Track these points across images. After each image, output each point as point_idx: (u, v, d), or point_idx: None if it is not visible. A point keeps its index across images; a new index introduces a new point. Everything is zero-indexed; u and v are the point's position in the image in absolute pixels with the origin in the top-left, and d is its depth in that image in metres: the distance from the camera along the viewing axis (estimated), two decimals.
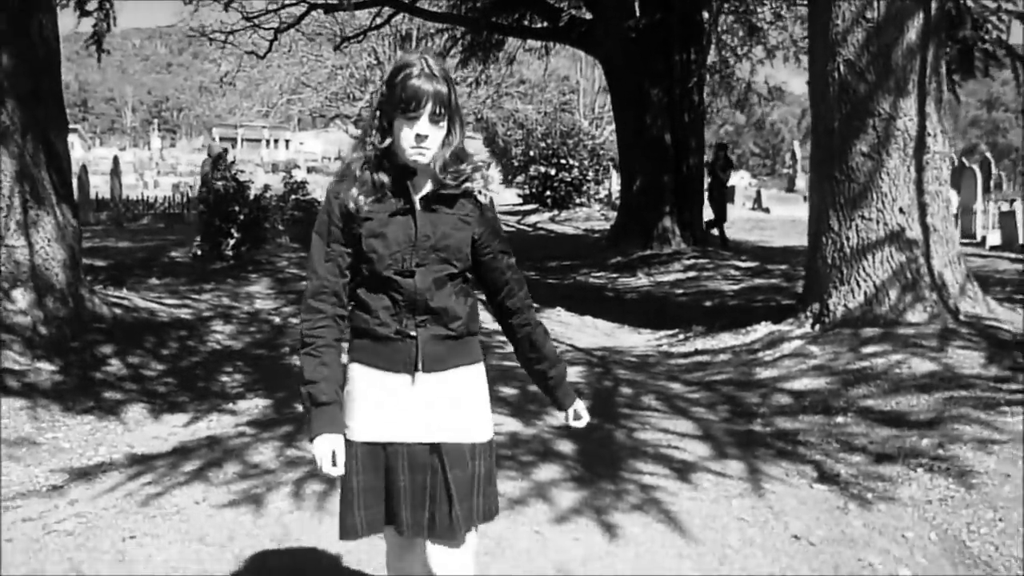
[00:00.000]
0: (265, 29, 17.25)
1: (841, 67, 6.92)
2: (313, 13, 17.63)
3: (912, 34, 6.78)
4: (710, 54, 15.28)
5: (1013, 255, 14.14)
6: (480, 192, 2.32)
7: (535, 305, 2.50)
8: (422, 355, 2.27)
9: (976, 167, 18.09)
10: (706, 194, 15.83)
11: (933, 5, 6.90)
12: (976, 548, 3.73)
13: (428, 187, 2.29)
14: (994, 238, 15.91)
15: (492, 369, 6.66)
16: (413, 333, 2.28)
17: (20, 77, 6.86)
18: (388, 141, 2.24)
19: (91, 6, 11.94)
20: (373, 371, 2.31)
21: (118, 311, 7.56)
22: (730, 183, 33.67)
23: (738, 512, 4.13)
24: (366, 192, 2.25)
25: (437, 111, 2.19)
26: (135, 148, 66.88)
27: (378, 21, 18.26)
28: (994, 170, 25.64)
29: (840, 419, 5.36)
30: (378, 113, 2.25)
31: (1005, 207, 16.96)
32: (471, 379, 2.39)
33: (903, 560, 3.65)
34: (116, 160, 25.01)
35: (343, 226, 2.28)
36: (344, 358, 2.36)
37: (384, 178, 2.25)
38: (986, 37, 11.44)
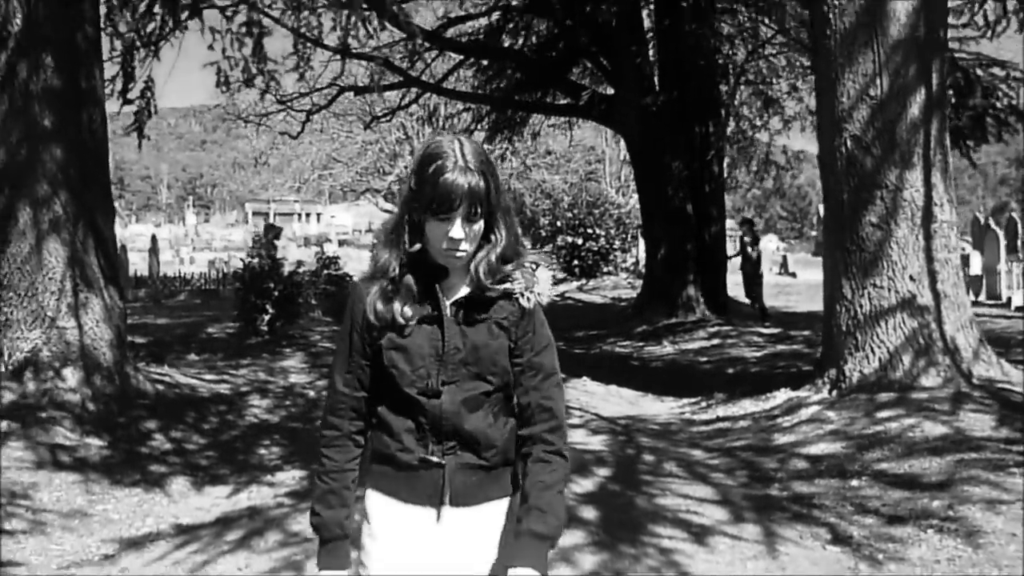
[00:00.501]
0: (297, 111, 17.89)
1: (848, 142, 7.23)
2: (344, 94, 18.29)
3: (915, 109, 7.10)
4: (729, 126, 15.68)
5: None
6: (522, 293, 2.01)
7: (560, 428, 2.04)
8: (450, 488, 1.98)
9: (999, 228, 18.25)
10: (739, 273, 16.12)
11: (935, 80, 7.22)
12: None
13: (462, 291, 2.02)
14: (1019, 299, 15.99)
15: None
16: (440, 462, 1.99)
17: (71, 168, 7.32)
18: (418, 246, 2.00)
19: (133, 95, 12.60)
20: (393, 502, 2.03)
21: (160, 387, 7.91)
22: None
23: (752, 573, 4.33)
24: (388, 297, 2.01)
25: (474, 211, 1.92)
26: (170, 224, 68.25)
27: (406, 100, 18.89)
28: (1020, 229, 25.74)
29: (855, 482, 5.54)
30: (407, 214, 1.99)
31: None
32: (504, 514, 2.04)
33: None
34: (154, 239, 25.76)
35: (364, 334, 2.04)
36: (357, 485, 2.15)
37: (411, 282, 2.00)
38: (997, 104, 11.73)
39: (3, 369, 7.04)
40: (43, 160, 7.07)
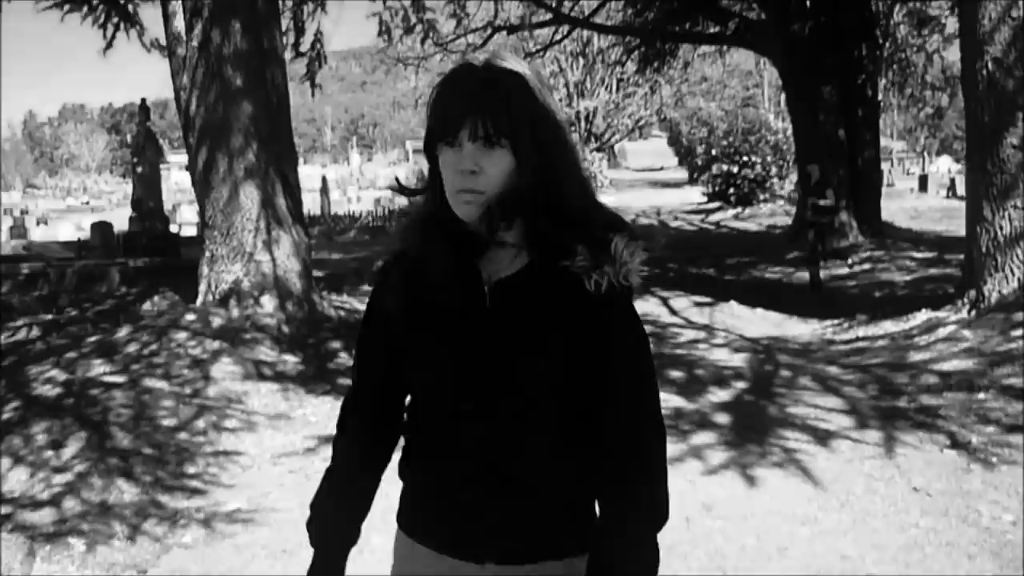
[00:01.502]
0: (454, 52, 18.62)
1: (989, 64, 7.29)
2: (497, 33, 18.89)
3: None
4: (884, 48, 15.36)
5: None
6: (591, 274, 1.39)
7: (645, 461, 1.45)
8: (491, 539, 1.48)
9: None
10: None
11: None
12: None
13: (512, 266, 1.45)
14: None
15: (659, 357, 7.47)
16: (478, 504, 1.47)
17: (260, 122, 8.27)
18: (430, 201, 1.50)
19: (305, 47, 13.63)
20: (425, 552, 1.55)
21: (342, 313, 8.88)
22: (925, 171, 32.54)
23: (868, 470, 4.80)
24: (408, 282, 1.49)
25: (490, 130, 1.35)
26: (335, 164, 71.02)
27: (558, 36, 19.31)
28: None
29: (981, 395, 5.85)
30: (429, 164, 1.47)
31: None
32: None
33: (1010, 509, 4.23)
34: (324, 180, 27.29)
35: (384, 330, 1.56)
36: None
37: (440, 256, 1.45)
38: None
39: (211, 298, 8.16)
40: (237, 116, 8.04)
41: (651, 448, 1.46)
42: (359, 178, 54.38)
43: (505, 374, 1.42)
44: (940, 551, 3.82)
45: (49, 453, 5.41)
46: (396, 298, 1.51)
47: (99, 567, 4.12)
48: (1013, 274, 7.20)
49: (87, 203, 44.96)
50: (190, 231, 21.66)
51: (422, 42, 14.42)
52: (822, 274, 12.17)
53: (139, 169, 15.62)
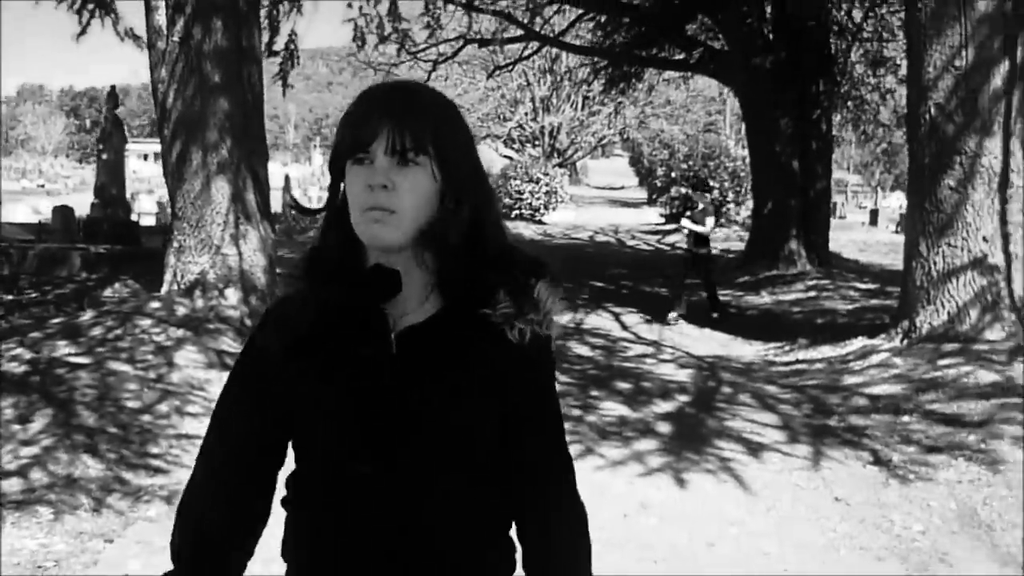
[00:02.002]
0: (425, 61, 18.93)
1: (932, 109, 7.74)
2: (468, 45, 19.22)
3: (998, 80, 7.55)
4: (842, 85, 15.93)
5: None
6: (520, 323, 1.27)
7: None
8: None
9: None
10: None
11: (1019, 54, 7.64)
12: (984, 515, 4.65)
13: (423, 310, 1.30)
14: None
15: (608, 369, 7.76)
16: None
17: (235, 118, 8.47)
18: (331, 226, 1.34)
19: (278, 47, 13.84)
20: None
21: None
22: (877, 206, 33.27)
23: (795, 480, 5.16)
24: (303, 322, 1.29)
25: (407, 146, 1.22)
26: (296, 164, 70.70)
27: (527, 52, 19.70)
28: None
29: (905, 418, 6.25)
30: (333, 188, 1.33)
31: None
32: None
33: (920, 519, 4.62)
34: (287, 178, 27.39)
35: (265, 383, 1.34)
36: None
37: (338, 296, 1.28)
38: None
39: (176, 287, 8.34)
40: (213, 111, 8.24)
41: (571, 481, 1.40)
42: (320, 178, 54.35)
43: (412, 432, 1.25)
44: (854, 553, 4.18)
45: (16, 427, 5.58)
46: (283, 343, 1.29)
47: (67, 535, 4.33)
48: (944, 307, 7.64)
49: (42, 186, 44.45)
50: (149, 220, 21.68)
51: (397, 52, 14.69)
52: (770, 298, 12.62)
53: (104, 156, 15.66)
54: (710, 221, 11.31)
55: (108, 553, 4.16)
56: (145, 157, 56.92)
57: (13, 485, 4.81)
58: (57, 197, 30.68)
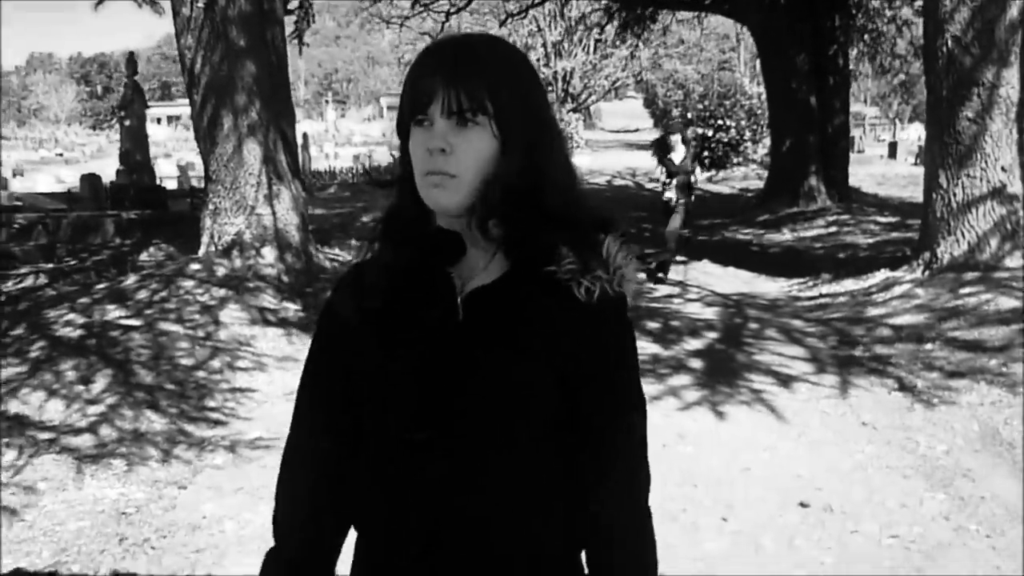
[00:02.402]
0: (437, 12, 18.94)
1: (949, 42, 7.82)
2: None
3: (1014, 11, 7.61)
4: (857, 18, 15.87)
5: None
6: (587, 281, 1.22)
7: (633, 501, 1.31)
8: None
9: None
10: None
11: None
12: (1006, 434, 4.88)
13: (489, 272, 1.27)
14: None
15: (636, 309, 8.01)
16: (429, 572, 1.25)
17: (262, 81, 8.65)
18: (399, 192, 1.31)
19: (293, 5, 13.91)
20: None
21: (336, 264, 9.37)
22: (896, 139, 33.02)
23: (823, 408, 5.41)
24: (375, 286, 1.28)
25: (464, 107, 1.19)
26: (309, 120, 70.44)
27: None
28: None
29: (928, 346, 6.46)
30: (401, 153, 1.29)
31: None
32: None
33: (944, 440, 4.85)
34: (305, 136, 27.50)
35: (337, 351, 1.33)
36: None
37: (406, 260, 1.27)
38: None
39: (215, 248, 8.60)
40: (240, 75, 8.42)
41: (642, 489, 1.31)
42: (335, 134, 54.34)
43: (479, 399, 1.21)
44: (880, 472, 4.43)
45: (80, 388, 5.89)
46: (355, 309, 1.28)
47: (142, 484, 4.64)
48: (964, 237, 7.80)
49: (60, 154, 44.70)
50: (171, 184, 21.93)
51: (412, 6, 14.74)
52: (791, 235, 12.80)
53: (127, 123, 15.87)
54: (686, 161, 10.20)
55: (183, 498, 4.47)
56: (159, 121, 57.03)
57: (86, 441, 5.12)
58: (76, 165, 31.01)
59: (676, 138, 10.27)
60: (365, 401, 1.29)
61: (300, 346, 7.15)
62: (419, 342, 1.23)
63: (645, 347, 6.89)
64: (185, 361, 6.48)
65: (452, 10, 19.14)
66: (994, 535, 3.76)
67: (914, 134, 38.16)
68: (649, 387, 5.79)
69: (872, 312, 7.56)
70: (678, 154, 10.12)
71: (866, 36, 16.71)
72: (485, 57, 1.23)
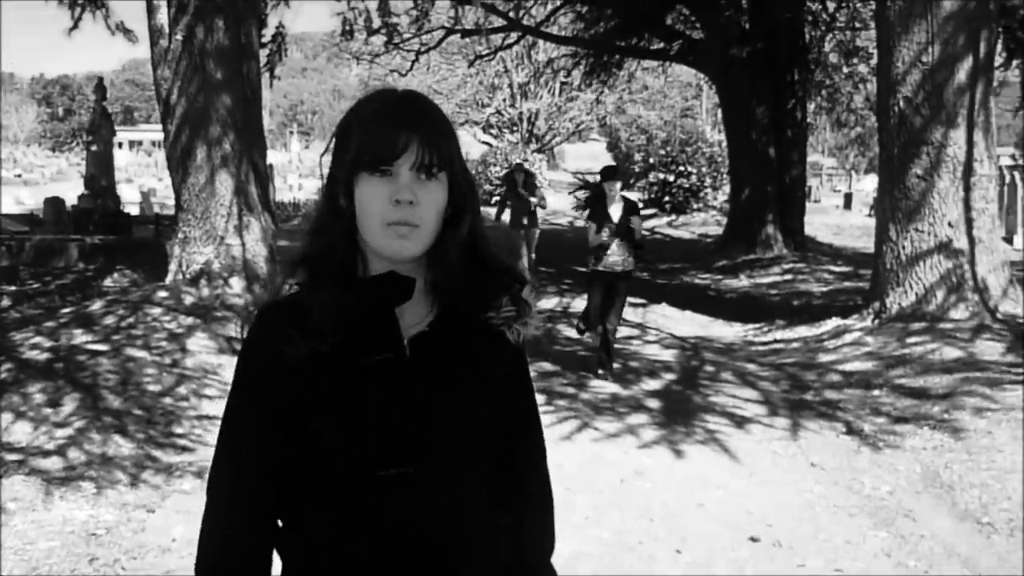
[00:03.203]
0: (407, 51, 19.20)
1: (900, 102, 8.21)
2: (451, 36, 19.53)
3: (962, 75, 8.02)
4: (815, 75, 16.42)
5: None
6: (518, 326, 1.38)
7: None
8: None
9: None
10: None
11: (982, 49, 8.12)
12: (946, 477, 5.13)
13: (428, 314, 1.35)
14: None
15: (596, 350, 8.09)
16: None
17: (237, 113, 8.81)
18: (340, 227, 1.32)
19: (266, 39, 14.10)
20: None
21: None
22: (851, 189, 33.81)
23: (775, 449, 5.63)
24: (324, 327, 1.28)
25: (430, 162, 1.27)
26: (273, 151, 69.84)
27: (509, 41, 20.02)
28: None
29: (876, 392, 6.74)
30: (332, 192, 1.33)
31: None
32: None
33: (888, 481, 5.09)
34: (271, 167, 27.56)
35: (274, 390, 1.30)
36: None
37: (355, 304, 1.30)
38: None
39: (182, 277, 8.68)
40: (216, 107, 8.57)
41: (547, 469, 1.52)
42: (298, 165, 54.27)
43: (448, 434, 1.31)
44: (827, 511, 4.65)
45: (48, 410, 5.94)
46: (296, 351, 1.27)
47: (112, 506, 4.72)
48: (912, 289, 8.13)
49: (19, 175, 44.20)
50: (133, 210, 21.85)
51: (385, 45, 15.01)
52: (748, 281, 13.12)
53: (93, 147, 15.89)
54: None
55: (152, 521, 4.55)
56: (120, 145, 56.62)
57: (55, 463, 5.18)
58: (36, 187, 30.74)
59: (615, 188, 7.72)
60: (317, 440, 1.28)
61: None
62: (377, 382, 1.29)
63: (605, 387, 7.11)
64: (152, 387, 6.55)
65: (423, 49, 19.43)
66: (932, 571, 3.98)
67: (869, 185, 38.94)
68: (608, 425, 6.00)
69: (823, 358, 7.83)
70: (615, 208, 7.62)
71: (824, 91, 17.28)
72: (440, 117, 1.33)
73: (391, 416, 1.28)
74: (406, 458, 1.27)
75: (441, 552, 1.30)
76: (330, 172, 1.34)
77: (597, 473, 5.15)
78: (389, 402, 1.28)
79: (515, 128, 39.41)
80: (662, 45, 17.46)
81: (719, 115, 42.36)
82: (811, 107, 17.21)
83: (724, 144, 28.08)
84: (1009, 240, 15.62)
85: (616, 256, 7.52)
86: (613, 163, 11.99)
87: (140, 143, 61.45)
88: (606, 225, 7.42)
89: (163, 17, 8.89)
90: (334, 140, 1.34)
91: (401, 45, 18.87)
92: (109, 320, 7.81)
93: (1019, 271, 9.32)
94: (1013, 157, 21.94)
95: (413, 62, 19.61)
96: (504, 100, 39.09)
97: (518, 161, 15.93)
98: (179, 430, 5.96)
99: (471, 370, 1.35)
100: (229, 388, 1.40)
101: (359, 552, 1.28)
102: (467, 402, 1.33)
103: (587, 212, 7.93)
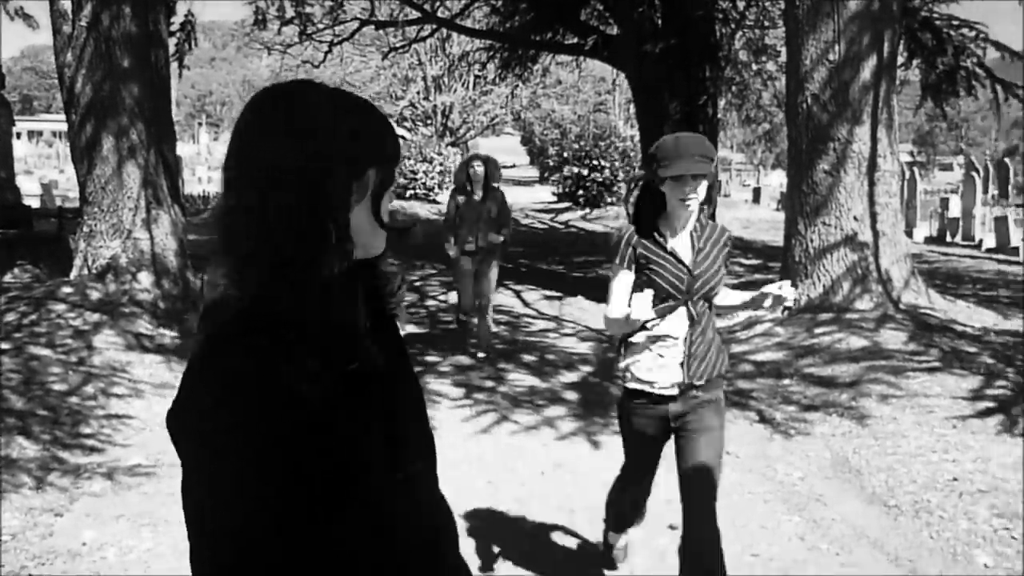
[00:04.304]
0: (320, 42, 18.92)
1: (808, 99, 8.43)
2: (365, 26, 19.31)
3: (867, 73, 8.28)
4: (725, 71, 16.73)
5: (1003, 256, 15.50)
6: (396, 313, 1.44)
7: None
8: None
9: (976, 174, 19.40)
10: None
11: (886, 49, 8.39)
12: (854, 462, 5.30)
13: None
14: (990, 241, 17.22)
15: (514, 343, 8.21)
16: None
17: (145, 102, 8.57)
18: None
19: (175, 27, 13.75)
20: None
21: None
22: (759, 184, 34.60)
23: None
24: (322, 348, 1.21)
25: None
26: (181, 142, 68.22)
27: (424, 33, 19.90)
28: (1012, 174, 26.78)
29: (786, 381, 6.92)
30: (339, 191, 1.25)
31: (999, 212, 18.28)
32: None
33: (800, 468, 5.24)
34: (179, 159, 26.87)
35: (303, 442, 1.16)
36: None
37: (363, 314, 1.31)
38: (966, 62, 12.82)
39: (88, 272, 8.41)
40: (123, 96, 8.32)
41: None
42: (207, 157, 53.13)
43: (428, 423, 1.43)
44: (743, 498, 4.76)
45: None
46: (317, 390, 1.15)
47: (17, 511, 4.54)
48: (820, 281, 8.37)
49: None
50: (33, 203, 21.07)
51: (299, 36, 14.76)
52: None
53: None
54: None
55: (61, 525, 4.40)
56: (18, 136, 54.54)
57: None
58: None
59: (479, 169, 7.36)
60: (331, 455, 1.18)
61: (178, 373, 7.07)
62: (376, 383, 1.26)
63: (523, 379, 7.14)
64: (58, 387, 6.34)
65: (336, 40, 19.17)
66: (843, 553, 4.11)
67: (776, 180, 40.07)
68: (527, 418, 6.03)
69: (736, 349, 8.00)
70: (477, 190, 7.38)
71: (733, 88, 17.63)
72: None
73: (397, 416, 1.31)
74: (422, 452, 1.35)
75: (442, 549, 1.37)
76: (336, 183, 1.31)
77: (517, 467, 5.18)
78: (391, 403, 1.30)
79: (429, 121, 39.22)
80: (576, 40, 17.56)
81: (632, 110, 42.97)
82: (722, 103, 17.55)
83: (637, 139, 28.52)
84: (909, 234, 16.21)
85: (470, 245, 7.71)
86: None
87: (40, 133, 59.26)
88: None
89: (66, 2, 8.59)
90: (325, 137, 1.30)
91: (314, 36, 18.62)
92: (10, 317, 7.53)
93: (919, 264, 9.69)
94: (911, 154, 22.82)
95: (326, 53, 19.32)
96: (418, 93, 38.88)
97: (473, 152, 13.10)
98: (87, 430, 5.78)
99: (406, 356, 1.40)
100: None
101: (382, 556, 1.26)
102: (420, 393, 1.41)
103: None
